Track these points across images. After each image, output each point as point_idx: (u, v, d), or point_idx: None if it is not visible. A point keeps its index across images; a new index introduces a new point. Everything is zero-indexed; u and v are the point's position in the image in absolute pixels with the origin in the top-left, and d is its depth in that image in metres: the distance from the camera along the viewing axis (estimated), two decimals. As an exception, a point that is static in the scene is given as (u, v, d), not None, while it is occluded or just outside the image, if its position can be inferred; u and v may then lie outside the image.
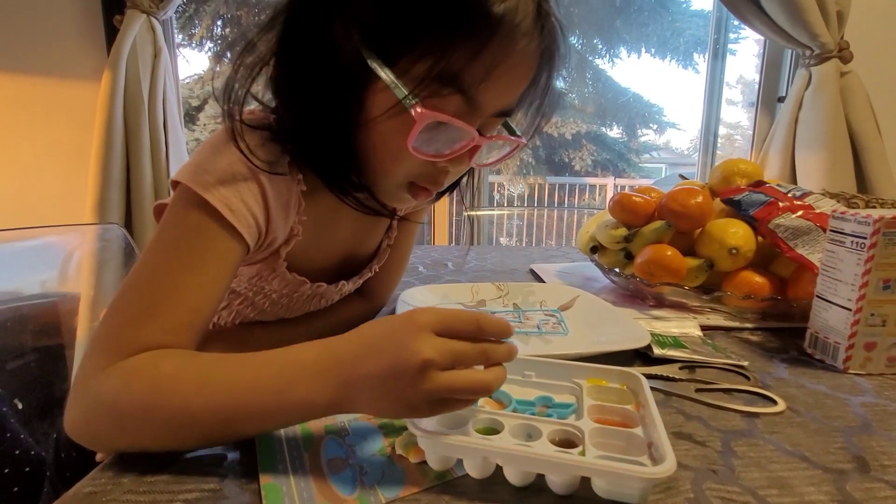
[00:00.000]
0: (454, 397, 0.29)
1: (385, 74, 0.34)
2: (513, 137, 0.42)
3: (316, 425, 0.34)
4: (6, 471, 0.58)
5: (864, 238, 0.45)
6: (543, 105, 0.42)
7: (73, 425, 0.32)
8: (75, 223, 1.19)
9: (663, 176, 6.52)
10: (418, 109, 0.34)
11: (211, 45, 6.14)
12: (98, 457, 0.42)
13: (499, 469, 0.29)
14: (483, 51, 0.33)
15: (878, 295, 0.45)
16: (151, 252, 0.35)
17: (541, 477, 0.29)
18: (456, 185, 0.49)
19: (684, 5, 5.73)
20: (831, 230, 0.49)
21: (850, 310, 0.46)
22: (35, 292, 0.97)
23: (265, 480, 0.28)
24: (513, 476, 0.29)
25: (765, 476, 0.31)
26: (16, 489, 0.57)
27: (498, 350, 0.30)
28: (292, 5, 0.37)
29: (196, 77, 6.00)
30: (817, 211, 0.59)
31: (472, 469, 0.29)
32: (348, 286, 0.53)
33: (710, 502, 0.28)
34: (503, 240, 5.04)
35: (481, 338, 0.30)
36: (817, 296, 0.51)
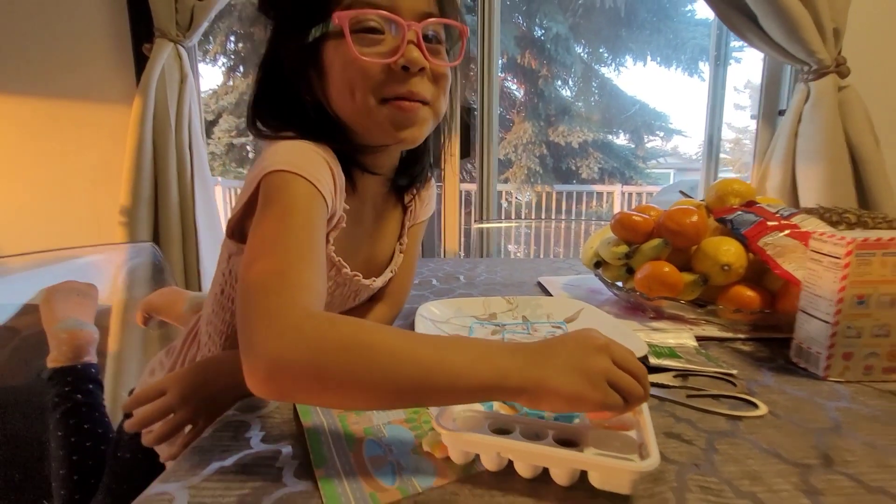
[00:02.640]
0: (617, 388, 0.33)
1: (315, 31, 0.45)
2: (448, 21, 0.49)
3: (356, 428, 0.40)
4: (74, 458, 0.66)
5: (839, 258, 0.50)
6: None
7: (268, 359, 0.31)
8: (111, 242, 1.27)
9: (671, 182, 6.54)
10: (335, 20, 0.44)
11: (224, 61, 6.31)
12: (162, 456, 0.49)
13: (511, 463, 0.35)
14: None
15: (854, 310, 0.50)
16: (270, 218, 0.40)
17: (546, 470, 0.34)
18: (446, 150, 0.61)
19: (689, 14, 5.78)
20: (812, 250, 0.54)
21: (828, 323, 0.51)
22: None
23: (319, 474, 0.34)
24: (522, 469, 0.34)
25: (740, 469, 0.36)
26: (76, 477, 0.65)
27: (646, 379, 0.35)
28: (268, 53, 0.51)
29: (210, 92, 6.16)
30: (802, 230, 0.64)
31: (488, 462, 0.35)
32: (377, 282, 0.60)
33: (689, 489, 0.33)
34: (511, 248, 5.08)
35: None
36: (801, 310, 0.55)
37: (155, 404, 0.47)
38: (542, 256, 4.78)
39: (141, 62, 1.42)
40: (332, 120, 0.49)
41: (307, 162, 0.43)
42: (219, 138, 6.10)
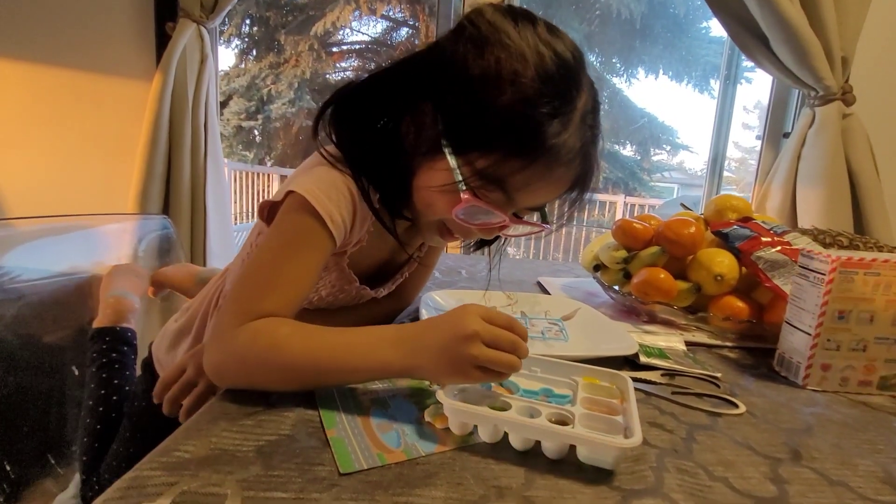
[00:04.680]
0: (489, 367, 0.38)
1: (451, 160, 0.45)
2: (539, 224, 0.53)
3: (364, 398, 0.43)
4: (100, 409, 0.72)
5: (824, 274, 0.53)
6: (573, 208, 0.53)
7: (210, 366, 0.43)
8: (125, 213, 1.30)
9: (675, 196, 6.58)
10: (465, 196, 0.45)
11: (238, 43, 6.33)
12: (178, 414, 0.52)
13: (506, 436, 0.38)
14: (529, 167, 0.44)
15: (834, 324, 0.53)
16: (273, 242, 0.46)
17: (538, 444, 0.37)
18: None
19: (704, 31, 5.82)
20: (799, 266, 0.57)
21: (810, 335, 0.54)
22: (86, 271, 1.07)
23: (331, 434, 0.37)
24: (516, 442, 0.37)
25: (715, 457, 0.39)
26: (98, 427, 0.72)
27: (521, 345, 0.40)
28: (390, 75, 0.48)
29: (222, 73, 6.18)
30: (794, 247, 0.67)
31: (485, 434, 0.38)
32: (383, 291, 0.63)
33: (667, 469, 0.36)
34: (511, 250, 5.12)
35: (512, 333, 0.40)
36: (786, 321, 0.59)
37: (178, 383, 0.52)
38: (541, 259, 4.81)
39: (163, 40, 1.45)
40: (401, 183, 0.50)
41: (330, 198, 0.46)
42: (227, 120, 6.12)
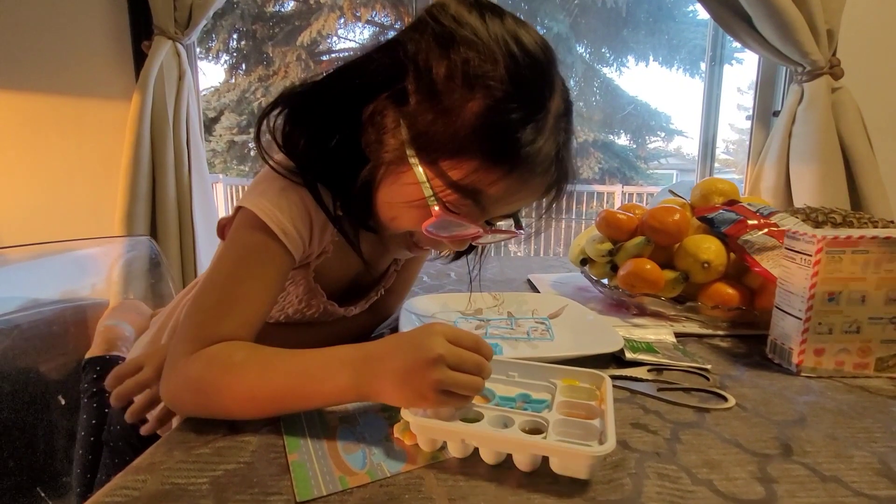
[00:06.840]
0: (454, 391, 0.36)
1: (419, 173, 0.41)
2: (512, 231, 0.52)
3: (331, 417, 0.41)
4: (91, 439, 0.71)
5: (810, 255, 0.51)
6: (549, 211, 0.51)
7: (165, 395, 0.41)
8: (108, 235, 1.28)
9: (674, 182, 6.53)
10: (436, 209, 0.42)
11: (227, 58, 6.33)
12: (143, 429, 0.51)
13: (477, 450, 0.36)
14: (505, 178, 0.41)
15: (825, 306, 0.51)
16: (225, 262, 0.44)
17: (510, 457, 0.35)
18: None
19: (691, 15, 5.78)
20: (786, 248, 0.55)
21: (801, 319, 0.52)
22: (70, 299, 1.06)
23: (292, 458, 0.35)
24: (487, 456, 0.35)
25: (700, 457, 0.37)
26: (90, 457, 0.71)
27: (486, 366, 0.38)
28: (344, 76, 0.45)
29: (212, 89, 6.19)
30: (781, 229, 0.65)
31: (454, 450, 0.36)
32: (355, 310, 0.60)
33: (647, 475, 0.34)
34: (511, 246, 5.09)
35: (478, 354, 0.38)
36: (776, 306, 0.56)
37: (133, 379, 0.50)
38: (541, 255, 4.79)
39: (140, 59, 1.44)
40: (362, 194, 0.46)
41: (282, 210, 0.43)
42: (220, 136, 6.12)
